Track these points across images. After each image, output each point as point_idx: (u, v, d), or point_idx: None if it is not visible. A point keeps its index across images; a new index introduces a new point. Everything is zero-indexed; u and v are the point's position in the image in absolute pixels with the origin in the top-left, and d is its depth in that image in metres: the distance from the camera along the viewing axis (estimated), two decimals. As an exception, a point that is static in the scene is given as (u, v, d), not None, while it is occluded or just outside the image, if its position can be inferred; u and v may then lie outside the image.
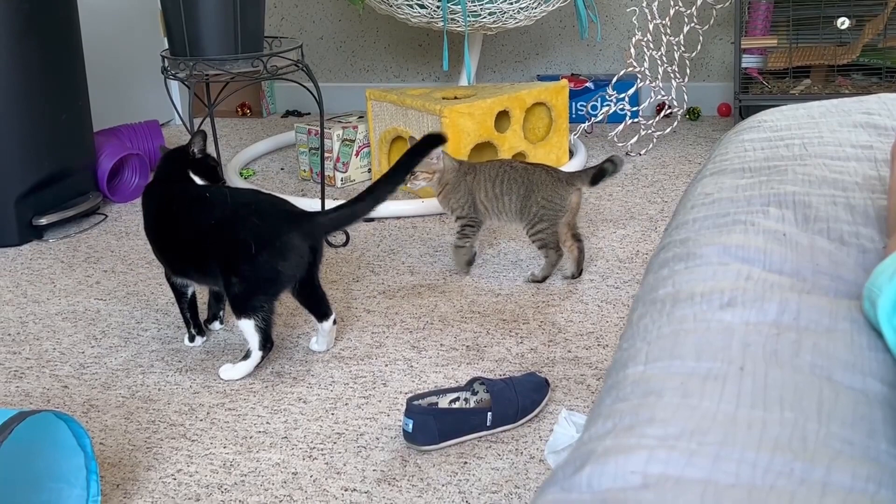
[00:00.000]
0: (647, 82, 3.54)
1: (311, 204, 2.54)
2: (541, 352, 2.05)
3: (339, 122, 3.32)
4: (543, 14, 3.27)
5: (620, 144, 3.48)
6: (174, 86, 3.74)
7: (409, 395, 1.87)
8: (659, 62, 3.52)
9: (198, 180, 2.11)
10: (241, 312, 1.95)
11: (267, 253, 1.91)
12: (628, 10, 3.86)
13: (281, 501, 1.59)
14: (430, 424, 1.70)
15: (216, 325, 2.23)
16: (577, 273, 2.41)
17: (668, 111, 3.71)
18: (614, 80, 3.53)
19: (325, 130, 2.87)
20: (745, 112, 3.50)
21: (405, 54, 4.26)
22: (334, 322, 2.07)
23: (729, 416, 0.74)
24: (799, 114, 1.52)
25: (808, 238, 1.04)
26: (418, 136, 3.00)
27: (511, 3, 3.16)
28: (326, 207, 2.70)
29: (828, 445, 0.71)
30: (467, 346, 2.09)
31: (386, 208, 2.89)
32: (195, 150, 2.11)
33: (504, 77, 4.18)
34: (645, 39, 3.46)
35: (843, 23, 3.41)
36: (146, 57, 3.90)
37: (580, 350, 2.05)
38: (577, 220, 2.42)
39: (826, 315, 0.88)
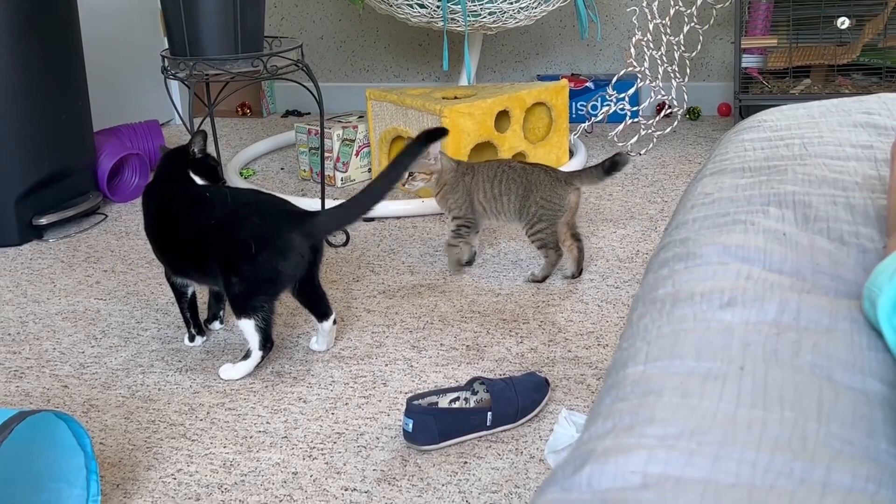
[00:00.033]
0: (648, 82, 3.54)
1: (311, 204, 2.54)
2: (541, 351, 2.05)
3: (339, 121, 3.32)
4: (543, 14, 3.27)
5: (620, 144, 3.48)
6: (174, 85, 3.74)
7: (409, 394, 1.87)
8: (659, 62, 3.52)
9: (198, 180, 2.11)
10: (241, 312, 1.95)
11: (267, 253, 1.91)
12: (628, 9, 3.86)
13: (281, 501, 1.59)
14: (430, 424, 1.70)
15: (216, 324, 2.23)
16: (578, 273, 2.41)
17: (669, 111, 3.71)
18: (614, 79, 3.53)
19: (325, 130, 2.87)
20: (745, 112, 3.50)
21: (405, 54, 4.26)
22: (334, 322, 2.08)
23: (729, 415, 0.74)
24: (799, 113, 1.52)
25: (808, 238, 1.04)
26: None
27: (511, 3, 3.16)
28: (326, 207, 2.71)
29: (828, 445, 0.71)
30: (467, 346, 2.09)
31: (386, 208, 2.90)
32: (195, 150, 2.11)
33: (504, 77, 4.18)
34: (645, 39, 3.46)
35: (843, 22, 3.41)
36: (146, 57, 3.91)
37: (580, 350, 2.05)
38: (575, 219, 2.42)
39: (826, 315, 0.88)
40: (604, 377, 0.99)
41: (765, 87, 3.54)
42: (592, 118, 3.65)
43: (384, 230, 2.83)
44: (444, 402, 1.79)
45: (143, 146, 3.39)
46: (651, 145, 3.51)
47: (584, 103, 3.88)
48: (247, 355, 1.99)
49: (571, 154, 3.31)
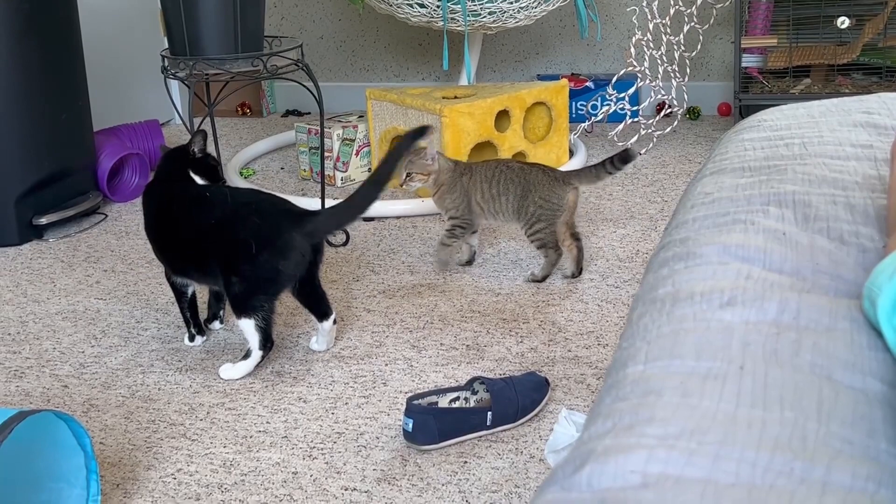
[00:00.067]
0: (647, 82, 3.54)
1: (311, 203, 2.54)
2: (541, 351, 2.05)
3: (339, 121, 3.32)
4: (543, 13, 3.27)
5: (620, 144, 3.48)
6: (174, 85, 3.74)
7: (409, 394, 1.87)
8: (659, 61, 3.52)
9: (198, 180, 2.11)
10: (241, 312, 1.95)
11: (267, 252, 1.91)
12: (628, 9, 3.86)
13: (281, 501, 1.59)
14: (430, 424, 1.70)
15: (216, 324, 2.23)
16: (577, 272, 2.41)
17: (668, 111, 3.71)
18: (614, 79, 3.53)
19: (325, 130, 2.87)
20: (745, 111, 3.50)
21: (405, 54, 4.26)
22: (334, 321, 2.08)
23: (729, 415, 0.74)
24: (799, 113, 1.52)
25: (808, 237, 1.04)
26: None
27: (511, 3, 3.16)
28: (326, 207, 2.71)
29: (828, 445, 0.71)
30: (467, 346, 2.09)
31: (386, 208, 2.90)
32: (195, 150, 2.11)
33: (504, 76, 4.18)
34: (645, 39, 3.45)
35: (843, 22, 3.41)
36: (146, 56, 3.91)
37: (580, 349, 2.05)
38: (574, 218, 2.42)
39: (826, 314, 0.88)
40: (604, 377, 0.99)
41: (765, 86, 3.54)
42: (592, 118, 3.65)
43: (384, 230, 2.83)
44: (444, 401, 1.79)
45: (143, 146, 3.39)
46: (651, 145, 3.51)
47: (584, 103, 3.88)
48: (247, 355, 1.99)
49: (571, 154, 3.31)
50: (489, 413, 1.74)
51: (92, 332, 2.26)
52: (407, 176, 2.40)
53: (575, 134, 3.51)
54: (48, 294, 2.49)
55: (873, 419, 0.75)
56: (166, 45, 2.61)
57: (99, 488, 1.52)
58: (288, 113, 4.34)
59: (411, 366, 2.02)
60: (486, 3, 3.14)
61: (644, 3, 3.55)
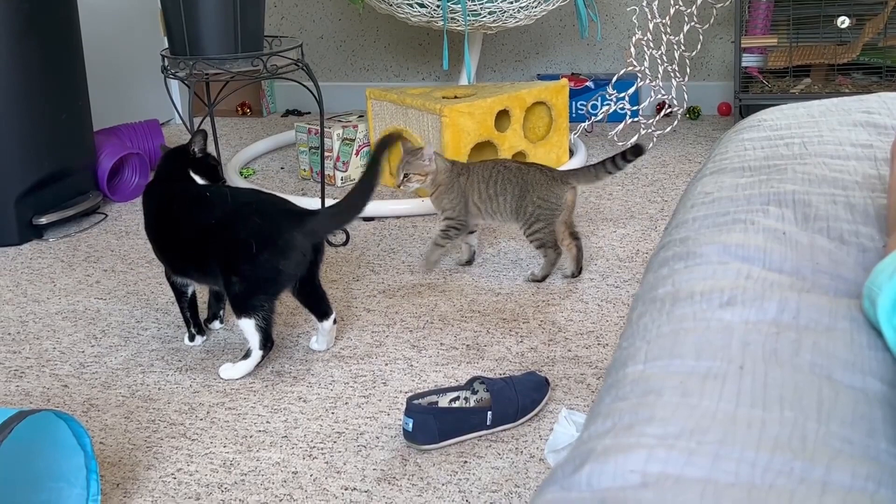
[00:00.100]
0: (648, 81, 3.54)
1: (311, 203, 2.54)
2: (541, 351, 2.05)
3: (340, 121, 3.32)
4: (543, 13, 3.27)
5: (620, 144, 3.48)
6: (174, 85, 3.74)
7: (409, 394, 1.87)
8: (659, 61, 3.52)
9: (198, 179, 2.11)
10: (241, 312, 1.95)
11: (268, 252, 1.91)
12: (628, 9, 3.86)
13: (281, 500, 1.59)
14: (430, 423, 1.70)
15: (216, 324, 2.23)
16: (577, 272, 2.41)
17: (669, 110, 3.71)
18: (614, 79, 3.53)
19: (325, 129, 2.87)
20: (745, 111, 3.50)
21: (405, 53, 4.26)
22: (334, 321, 2.08)
23: (728, 415, 0.74)
24: (799, 113, 1.52)
25: (808, 237, 1.04)
26: (418, 136, 3.00)
27: (511, 3, 3.16)
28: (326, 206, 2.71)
29: (827, 444, 0.71)
30: (467, 346, 2.09)
31: (386, 207, 2.90)
32: (195, 150, 2.11)
33: (504, 76, 4.18)
34: (645, 38, 3.45)
35: (844, 22, 3.41)
36: (146, 56, 3.91)
37: (580, 349, 2.05)
38: (573, 218, 2.42)
39: (826, 314, 0.88)
40: (604, 376, 0.99)
41: (765, 86, 3.54)
42: (592, 117, 3.65)
43: (384, 230, 2.83)
44: (444, 401, 1.79)
45: (143, 146, 3.39)
46: (651, 145, 3.51)
47: (584, 103, 3.88)
48: (247, 355, 1.99)
49: (571, 153, 3.31)
50: (489, 413, 1.74)
51: (92, 331, 2.26)
52: (404, 177, 2.40)
53: (575, 134, 3.51)
54: (48, 294, 2.49)
55: (873, 419, 0.75)
56: (166, 45, 2.61)
57: (99, 488, 1.52)
58: (288, 113, 4.34)
59: (411, 365, 2.02)
60: (486, 2, 3.14)
61: (644, 3, 3.55)
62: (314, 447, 1.74)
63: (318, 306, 2.05)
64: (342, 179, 3.27)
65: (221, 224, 1.96)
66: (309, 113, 4.30)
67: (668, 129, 3.62)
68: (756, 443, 0.71)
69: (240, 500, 1.60)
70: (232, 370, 2.00)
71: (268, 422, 1.83)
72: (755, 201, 1.15)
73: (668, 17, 3.47)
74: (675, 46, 3.58)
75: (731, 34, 3.70)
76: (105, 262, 2.69)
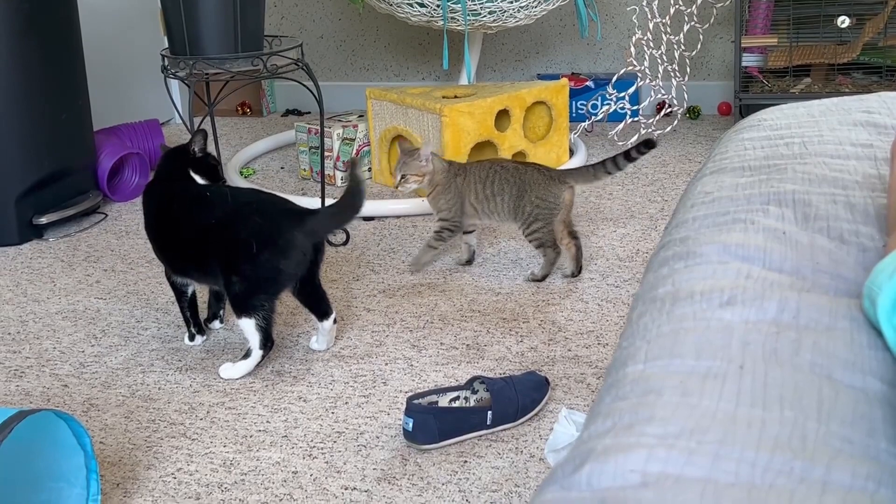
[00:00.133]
0: (648, 81, 3.54)
1: (311, 203, 2.54)
2: (541, 350, 2.05)
3: (340, 120, 3.32)
4: (543, 13, 3.27)
5: (621, 143, 3.48)
6: (174, 85, 3.74)
7: (410, 393, 1.87)
8: (659, 61, 3.52)
9: (198, 179, 2.11)
10: (241, 311, 1.95)
11: (268, 252, 1.91)
12: (628, 8, 3.86)
13: (281, 500, 1.59)
14: (431, 423, 1.70)
15: (216, 324, 2.23)
16: (577, 271, 2.41)
17: (669, 110, 3.71)
18: (614, 78, 3.53)
19: (325, 129, 2.87)
20: (746, 111, 3.50)
21: (405, 53, 4.26)
22: (334, 321, 2.07)
23: (728, 414, 0.74)
24: (799, 112, 1.52)
25: (808, 236, 1.04)
26: (418, 136, 3.01)
27: (511, 2, 3.16)
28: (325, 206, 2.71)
29: (827, 444, 0.71)
30: (467, 345, 2.09)
31: (386, 207, 2.90)
32: (195, 149, 2.11)
33: (504, 76, 4.18)
34: (645, 38, 3.45)
35: (844, 21, 3.41)
36: (146, 56, 3.91)
37: (580, 349, 2.05)
38: (571, 217, 2.42)
39: (826, 313, 0.88)
40: (604, 376, 0.99)
41: (765, 86, 3.54)
42: (592, 117, 3.65)
43: (384, 229, 2.83)
44: (444, 401, 1.79)
45: (143, 145, 3.39)
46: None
47: (585, 102, 3.88)
48: (247, 354, 1.99)
49: (571, 153, 3.31)
50: (489, 412, 1.74)
51: (92, 331, 2.26)
52: (402, 178, 2.40)
53: (575, 133, 3.51)
54: (48, 293, 2.49)
55: (873, 418, 0.75)
56: (166, 45, 2.61)
57: (99, 488, 1.52)
58: (288, 112, 4.34)
59: (411, 365, 2.02)
60: (486, 2, 3.14)
61: (644, 3, 3.54)
62: (314, 447, 1.74)
63: (319, 306, 2.05)
64: (342, 179, 3.27)
65: (222, 224, 1.96)
66: (309, 112, 4.30)
67: (668, 128, 3.62)
68: (756, 442, 0.71)
69: (240, 499, 1.60)
70: (232, 370, 2.00)
71: (268, 421, 1.83)
72: (755, 201, 1.15)
73: (668, 17, 3.47)
74: (675, 46, 3.58)
75: (732, 34, 3.70)
76: (105, 262, 2.69)
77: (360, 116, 3.37)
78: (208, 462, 1.71)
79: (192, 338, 2.16)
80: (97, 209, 3.07)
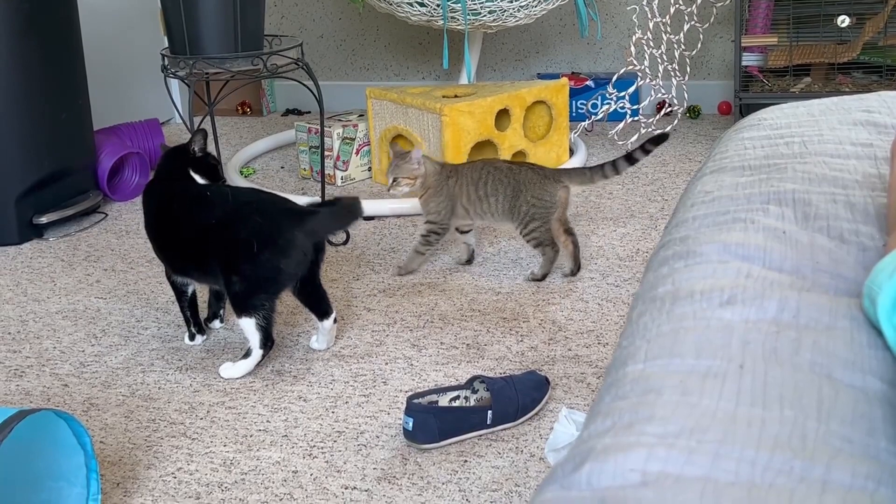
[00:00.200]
0: (648, 80, 3.54)
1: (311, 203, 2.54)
2: (541, 350, 2.05)
3: (340, 120, 3.32)
4: (544, 12, 3.27)
5: (621, 143, 3.48)
6: (174, 84, 3.74)
7: (410, 393, 1.87)
8: (659, 60, 3.52)
9: (198, 179, 2.11)
10: (241, 311, 1.95)
11: (269, 251, 1.91)
12: (628, 8, 3.86)
13: (281, 500, 1.59)
14: (431, 423, 1.70)
15: (216, 323, 2.23)
16: (576, 268, 2.41)
17: (669, 109, 3.71)
18: (614, 78, 3.53)
19: (325, 129, 2.87)
20: (746, 110, 3.50)
21: (405, 53, 4.26)
22: (335, 320, 2.07)
23: (728, 414, 0.74)
24: (799, 112, 1.52)
25: (808, 236, 1.04)
26: (418, 135, 3.00)
27: (511, 2, 3.16)
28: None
29: (827, 443, 0.71)
30: (467, 345, 2.09)
31: (386, 206, 2.90)
32: (195, 149, 2.11)
33: (504, 75, 4.18)
34: (645, 38, 3.45)
35: (844, 21, 3.40)
36: (146, 56, 3.91)
37: (580, 348, 2.05)
38: (566, 214, 2.42)
39: (826, 313, 0.88)
40: (604, 375, 0.99)
41: (765, 85, 3.54)
42: (593, 117, 3.65)
43: (384, 229, 2.83)
44: (444, 400, 1.79)
45: (143, 145, 3.39)
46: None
47: (585, 102, 3.88)
48: (247, 354, 1.99)
49: (572, 152, 3.31)
50: (489, 412, 1.74)
51: (92, 331, 2.26)
52: (393, 181, 2.40)
53: (575, 133, 3.51)
54: (48, 293, 2.49)
55: (873, 418, 0.75)
56: (166, 45, 2.61)
57: (99, 487, 1.52)
58: (288, 112, 4.34)
59: (411, 365, 2.02)
60: (486, 1, 3.14)
61: (644, 2, 3.54)
62: (314, 446, 1.74)
63: (319, 305, 2.05)
64: (342, 179, 3.27)
65: (222, 223, 1.96)
66: (309, 112, 4.30)
67: (669, 128, 3.62)
68: (756, 442, 0.71)
69: (240, 499, 1.60)
70: (232, 369, 2.00)
71: (268, 421, 1.83)
72: (755, 200, 1.15)
73: (668, 17, 3.47)
74: (676, 45, 3.58)
75: (732, 33, 3.69)
76: (105, 262, 2.69)
77: (361, 116, 3.37)
78: (208, 461, 1.71)
79: (192, 337, 2.16)
80: (97, 209, 3.07)
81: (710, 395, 0.77)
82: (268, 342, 1.98)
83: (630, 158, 2.39)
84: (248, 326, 1.95)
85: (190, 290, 2.14)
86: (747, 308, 0.90)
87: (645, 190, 3.05)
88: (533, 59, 4.13)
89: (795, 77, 3.55)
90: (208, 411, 1.88)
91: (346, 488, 1.61)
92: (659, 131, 2.38)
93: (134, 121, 3.49)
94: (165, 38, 2.63)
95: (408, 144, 3.05)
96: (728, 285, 0.94)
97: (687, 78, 3.69)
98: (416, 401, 1.75)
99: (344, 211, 2.00)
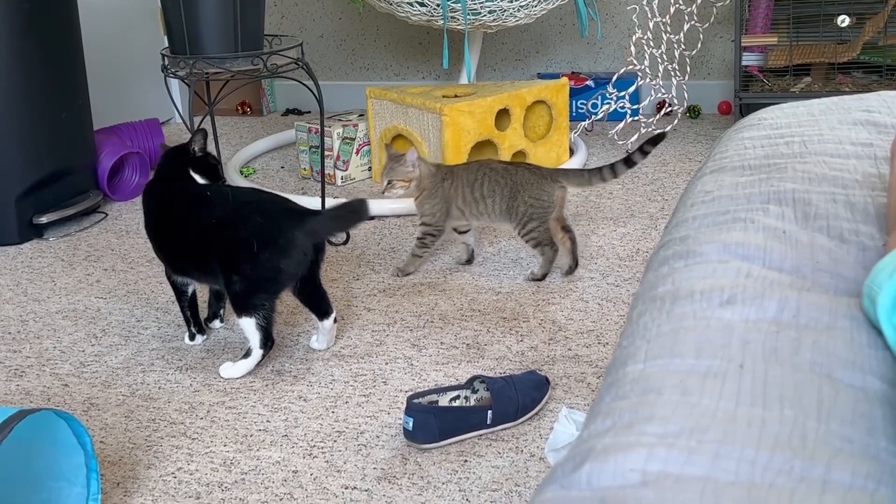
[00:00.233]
0: (648, 80, 3.54)
1: (311, 202, 2.54)
2: (541, 350, 2.05)
3: (340, 120, 3.32)
4: (543, 12, 3.27)
5: (621, 143, 3.48)
6: (174, 84, 3.74)
7: (410, 393, 1.87)
8: (659, 60, 3.52)
9: (198, 178, 2.11)
10: (241, 311, 1.95)
11: (269, 251, 1.91)
12: (628, 7, 3.86)
13: (281, 499, 1.59)
14: (431, 423, 1.70)
15: (216, 323, 2.23)
16: (574, 264, 2.41)
17: (669, 109, 3.70)
18: (614, 78, 3.53)
19: (325, 129, 2.87)
20: (746, 110, 3.50)
21: (405, 52, 4.26)
22: (335, 320, 2.07)
23: (728, 413, 0.74)
24: (799, 111, 1.52)
25: (808, 235, 1.04)
26: (418, 135, 3.00)
27: (511, 1, 3.16)
28: (326, 206, 2.71)
29: (827, 443, 0.71)
30: (467, 345, 2.09)
31: (386, 206, 2.90)
32: (195, 149, 2.11)
33: (504, 75, 4.18)
34: (645, 37, 3.45)
35: (844, 21, 3.40)
36: (146, 55, 3.91)
37: (580, 348, 2.05)
38: (563, 212, 2.43)
39: (826, 312, 0.88)
40: (604, 375, 0.99)
41: (765, 85, 3.54)
42: (593, 116, 3.65)
43: (384, 228, 2.83)
44: (444, 400, 1.79)
45: (143, 145, 3.39)
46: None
47: (585, 101, 3.88)
48: (247, 354, 1.99)
49: (572, 152, 3.31)
50: (489, 412, 1.74)
51: (92, 330, 2.26)
52: (388, 184, 2.40)
53: (575, 133, 3.51)
54: (48, 293, 2.49)
55: (873, 417, 0.75)
56: (166, 44, 2.61)
57: (99, 487, 1.52)
58: (288, 112, 4.34)
59: (412, 364, 2.02)
60: (486, 1, 3.14)
61: (644, 2, 3.54)
62: (314, 446, 1.74)
63: (319, 305, 2.05)
64: (342, 178, 3.27)
65: (222, 223, 1.96)
66: (309, 112, 4.30)
67: (669, 127, 3.62)
68: (756, 441, 0.71)
69: (240, 498, 1.60)
70: (232, 369, 2.00)
71: (268, 421, 1.83)
72: (755, 200, 1.15)
73: (668, 16, 3.47)
74: (676, 45, 3.58)
75: (732, 33, 3.69)
76: (105, 262, 2.69)
77: (361, 116, 3.37)
78: (208, 461, 1.71)
79: (192, 337, 2.16)
80: (97, 208, 3.07)
81: (710, 394, 0.77)
82: (268, 342, 1.98)
83: (628, 162, 2.40)
84: (249, 326, 1.95)
85: (190, 290, 2.14)
86: (747, 308, 0.90)
87: (645, 190, 3.05)
88: (533, 59, 4.13)
89: (795, 77, 3.55)
90: (208, 411, 1.88)
91: (346, 488, 1.61)
92: (658, 131, 2.38)
93: (134, 121, 3.49)
94: (165, 38, 2.63)
95: (408, 144, 3.05)
96: (728, 285, 0.94)
97: (687, 78, 3.69)
98: (416, 401, 1.75)
99: (349, 212, 2.00)
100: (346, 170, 3.27)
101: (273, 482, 1.64)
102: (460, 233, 2.51)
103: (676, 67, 3.63)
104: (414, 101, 3.01)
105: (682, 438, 0.72)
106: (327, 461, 1.69)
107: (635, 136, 3.52)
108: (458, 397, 1.81)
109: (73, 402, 1.93)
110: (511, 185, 2.38)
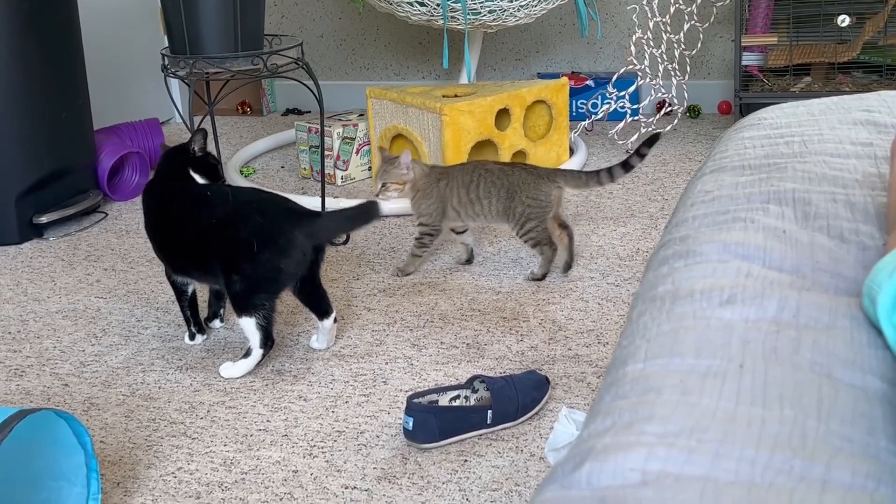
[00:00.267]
0: (648, 80, 3.54)
1: (311, 202, 2.54)
2: (541, 350, 2.05)
3: (340, 120, 3.32)
4: (544, 12, 3.27)
5: (621, 142, 3.48)
6: (174, 84, 3.74)
7: (410, 392, 1.87)
8: (659, 60, 3.52)
9: (198, 178, 2.11)
10: (242, 310, 1.95)
11: (269, 251, 1.91)
12: (628, 7, 3.86)
13: (281, 499, 1.59)
14: (431, 422, 1.70)
15: (216, 323, 2.23)
16: (571, 260, 2.41)
17: (669, 109, 3.70)
18: (615, 77, 3.53)
19: (325, 128, 2.87)
20: (746, 110, 3.50)
21: (405, 52, 4.26)
22: (335, 320, 2.07)
23: (728, 413, 0.74)
24: (799, 111, 1.52)
25: (808, 235, 1.04)
26: (418, 135, 3.00)
27: (511, 1, 3.16)
28: (327, 206, 2.71)
29: (827, 443, 0.71)
30: (468, 344, 2.09)
31: (386, 206, 2.90)
32: (195, 149, 2.11)
33: (504, 75, 4.18)
34: (645, 37, 3.45)
35: (844, 20, 3.40)
36: (146, 55, 3.91)
37: (580, 348, 2.05)
38: (559, 211, 2.43)
39: (826, 312, 0.88)
40: (604, 375, 0.99)
41: (765, 84, 3.54)
42: (593, 116, 3.65)
43: (384, 228, 2.83)
44: (444, 400, 1.79)
45: (143, 144, 3.39)
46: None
47: (585, 101, 3.88)
48: (247, 353, 1.99)
49: (572, 152, 3.31)
50: (489, 411, 1.74)
51: (92, 330, 2.26)
52: (382, 186, 2.40)
53: (575, 132, 3.51)
54: (48, 293, 2.49)
55: (873, 417, 0.75)
56: (166, 44, 2.61)
57: (99, 487, 1.52)
58: (288, 111, 4.34)
59: (412, 364, 2.02)
60: (486, 1, 3.14)
61: (644, 2, 3.54)
62: (314, 446, 1.74)
63: (319, 305, 2.05)
64: (342, 178, 3.27)
65: (222, 223, 1.96)
66: (309, 112, 4.30)
67: (669, 127, 3.62)
68: (756, 441, 0.71)
69: (240, 498, 1.60)
70: (232, 369, 2.00)
71: (268, 420, 1.83)
72: (755, 200, 1.15)
73: (668, 16, 3.47)
74: (676, 45, 3.58)
75: (732, 33, 3.69)
76: (105, 261, 2.69)
77: (361, 115, 3.37)
78: (209, 461, 1.71)
79: (192, 337, 2.16)
80: (97, 208, 3.07)
81: (709, 394, 0.77)
82: (268, 342, 1.98)
83: (626, 165, 2.39)
84: (249, 326, 1.95)
85: (190, 290, 2.14)
86: (747, 307, 0.90)
87: (645, 189, 3.05)
88: (533, 59, 4.13)
89: (795, 77, 3.55)
90: (208, 411, 1.88)
91: (347, 488, 1.61)
92: (655, 131, 2.38)
93: (134, 120, 3.49)
94: (165, 38, 2.63)
95: (408, 144, 3.05)
96: (728, 285, 0.94)
97: (687, 77, 3.69)
98: (416, 400, 1.75)
99: (362, 212, 2.01)
100: (346, 169, 3.27)
101: (273, 482, 1.64)
102: (458, 233, 2.51)
103: (676, 67, 3.63)
104: (414, 101, 3.01)
105: (682, 438, 0.72)
106: (327, 461, 1.69)
107: (635, 136, 3.52)
108: (458, 397, 1.81)
109: (73, 402, 1.94)
110: (508, 186, 2.38)
